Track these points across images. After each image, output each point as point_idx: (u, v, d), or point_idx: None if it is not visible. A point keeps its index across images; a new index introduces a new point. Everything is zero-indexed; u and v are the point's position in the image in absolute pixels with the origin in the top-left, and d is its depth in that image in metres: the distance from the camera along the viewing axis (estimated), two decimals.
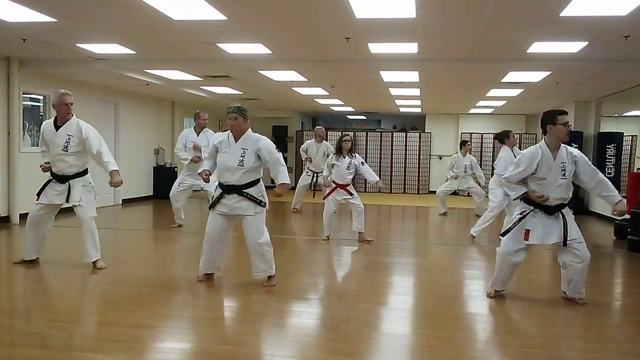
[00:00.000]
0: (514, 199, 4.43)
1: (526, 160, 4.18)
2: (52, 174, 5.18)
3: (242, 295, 4.54)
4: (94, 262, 5.19)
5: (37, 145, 8.94)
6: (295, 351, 3.31)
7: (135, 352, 3.19)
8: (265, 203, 4.58)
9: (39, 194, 5.17)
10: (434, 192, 15.64)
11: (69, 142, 5.05)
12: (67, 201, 5.14)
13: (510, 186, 4.33)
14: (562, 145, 4.18)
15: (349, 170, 6.92)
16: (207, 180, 4.86)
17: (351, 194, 6.97)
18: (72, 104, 5.12)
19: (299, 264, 5.99)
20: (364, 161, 7.05)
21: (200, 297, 4.48)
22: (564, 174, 4.13)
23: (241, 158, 4.44)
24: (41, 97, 9.04)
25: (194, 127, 7.87)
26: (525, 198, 4.27)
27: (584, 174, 4.18)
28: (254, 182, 4.56)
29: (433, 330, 3.69)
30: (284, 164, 4.65)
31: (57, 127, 5.11)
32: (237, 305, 4.39)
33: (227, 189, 4.54)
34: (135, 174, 11.68)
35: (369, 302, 4.37)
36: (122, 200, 11.19)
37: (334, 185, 6.97)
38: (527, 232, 4.21)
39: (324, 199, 7.22)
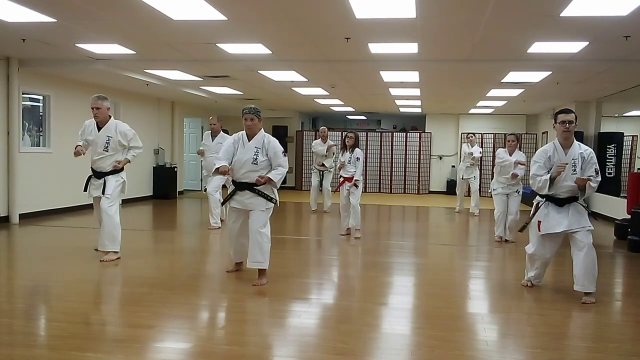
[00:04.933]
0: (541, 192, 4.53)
1: (540, 154, 4.53)
2: None
3: (242, 295, 4.53)
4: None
5: (37, 146, 9.00)
6: (295, 351, 3.31)
7: (135, 352, 3.18)
8: (275, 200, 4.76)
9: None
10: (434, 192, 15.78)
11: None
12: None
13: (535, 179, 4.48)
14: (576, 142, 4.44)
15: (350, 163, 7.41)
16: (227, 173, 4.74)
17: (356, 186, 7.36)
18: (97, 108, 5.79)
19: (299, 264, 5.98)
20: (359, 157, 7.40)
21: (200, 297, 4.48)
22: (575, 169, 4.38)
23: (255, 156, 4.64)
24: (41, 97, 9.03)
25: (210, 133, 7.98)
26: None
27: (583, 170, 4.42)
28: None
29: (433, 330, 3.69)
30: (284, 171, 4.70)
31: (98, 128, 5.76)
32: (237, 305, 4.38)
33: (239, 186, 4.73)
34: (134, 174, 11.66)
35: (369, 302, 4.37)
36: (122, 200, 11.16)
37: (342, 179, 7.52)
38: (539, 223, 4.49)
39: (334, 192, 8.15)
